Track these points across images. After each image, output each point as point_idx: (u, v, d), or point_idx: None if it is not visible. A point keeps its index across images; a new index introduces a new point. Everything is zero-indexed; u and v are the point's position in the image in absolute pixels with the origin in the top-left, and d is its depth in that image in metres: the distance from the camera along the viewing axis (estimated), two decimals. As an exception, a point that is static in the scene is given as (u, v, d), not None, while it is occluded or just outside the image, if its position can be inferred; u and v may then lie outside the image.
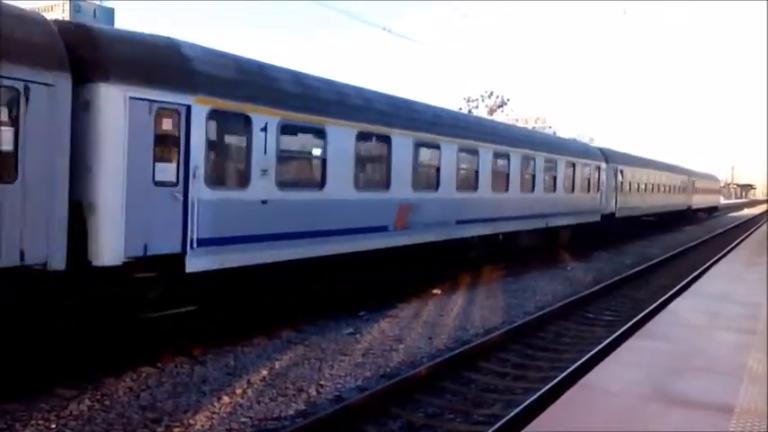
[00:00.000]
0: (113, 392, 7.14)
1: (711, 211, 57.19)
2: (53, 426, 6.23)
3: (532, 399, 6.94)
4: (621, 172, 26.67)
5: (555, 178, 19.91)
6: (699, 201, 48.05)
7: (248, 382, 7.70)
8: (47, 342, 7.11)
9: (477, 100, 62.97)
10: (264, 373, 8.05)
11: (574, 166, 21.48)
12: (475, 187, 15.27)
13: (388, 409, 6.97)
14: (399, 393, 7.31)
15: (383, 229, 11.93)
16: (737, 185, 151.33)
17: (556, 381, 7.56)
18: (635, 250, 24.61)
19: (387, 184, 12.20)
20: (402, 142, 12.49)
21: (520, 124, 46.61)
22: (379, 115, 12.04)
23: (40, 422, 6.27)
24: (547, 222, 19.22)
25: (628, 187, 27.78)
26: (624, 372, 6.26)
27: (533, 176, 18.30)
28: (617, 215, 25.92)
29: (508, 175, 16.81)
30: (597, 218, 23.90)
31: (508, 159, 16.78)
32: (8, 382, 6.68)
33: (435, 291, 13.86)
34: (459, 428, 6.72)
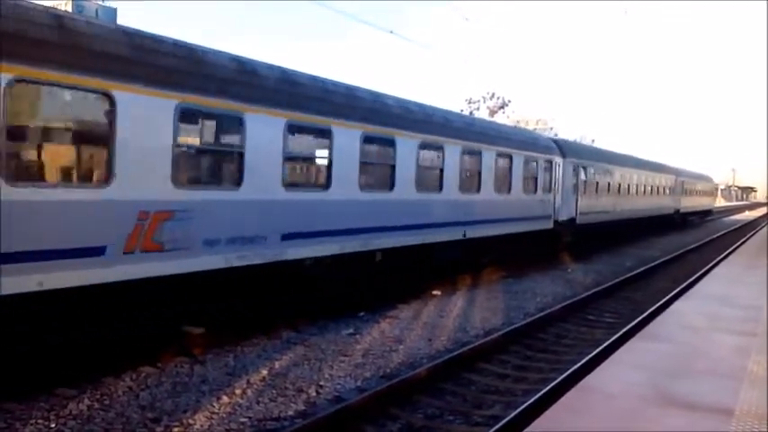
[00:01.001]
0: (113, 392, 7.14)
1: (705, 215, 52.95)
2: (53, 425, 6.23)
3: (532, 400, 6.94)
4: (584, 169, 22.26)
5: (479, 174, 15.09)
6: (689, 204, 43.34)
7: (248, 382, 7.70)
8: (47, 342, 7.11)
9: (478, 101, 63.11)
10: (264, 373, 8.05)
11: (511, 159, 16.64)
12: (326, 184, 10.55)
13: (388, 409, 6.97)
14: (399, 394, 7.30)
15: (93, 252, 7.12)
16: (738, 188, 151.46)
17: (555, 382, 7.56)
18: (635, 252, 24.62)
19: (106, 176, 7.28)
20: (144, 107, 7.57)
21: (521, 125, 46.53)
22: (82, 57, 7.01)
23: (40, 421, 6.28)
24: (465, 232, 14.52)
25: (594, 188, 23.39)
26: (624, 374, 6.26)
27: (441, 171, 13.60)
28: (578, 222, 21.59)
29: (394, 167, 12.06)
30: (548, 225, 19.25)
31: (394, 147, 12.02)
32: (8, 381, 6.67)
33: (435, 292, 13.85)
34: (458, 430, 6.71)
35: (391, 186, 12.13)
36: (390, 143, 12.03)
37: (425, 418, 6.92)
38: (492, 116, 58.40)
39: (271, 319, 10.01)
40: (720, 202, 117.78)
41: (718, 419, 5.10)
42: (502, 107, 63.62)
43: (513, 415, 6.50)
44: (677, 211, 39.10)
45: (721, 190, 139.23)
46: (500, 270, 16.88)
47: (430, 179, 13.48)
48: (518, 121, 65.27)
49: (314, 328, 10.33)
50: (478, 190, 15.17)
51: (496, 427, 6.21)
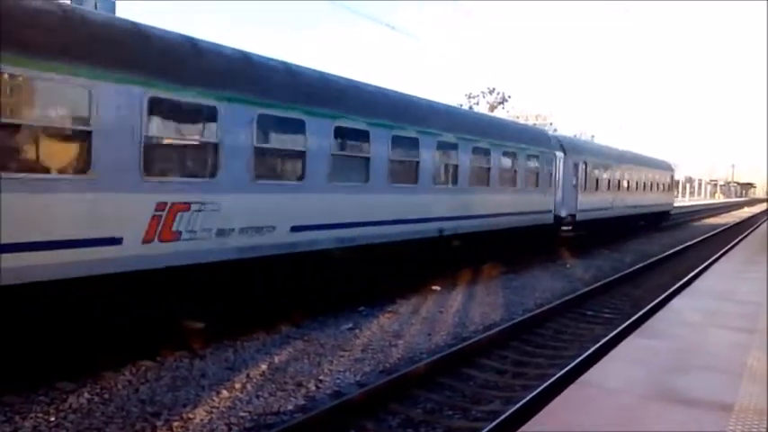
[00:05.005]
0: (112, 386, 7.14)
1: (656, 219, 34.45)
2: (52, 419, 6.24)
3: (531, 396, 6.94)
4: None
5: None
6: (599, 203, 24.10)
7: (247, 376, 7.70)
8: (47, 336, 7.11)
9: (477, 96, 63.06)
10: (263, 367, 8.06)
11: None
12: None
13: (387, 404, 6.98)
14: (398, 389, 7.31)
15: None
16: (738, 184, 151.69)
17: (555, 378, 7.56)
18: (634, 248, 24.63)
19: None
20: None
21: (521, 121, 46.39)
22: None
23: (40, 415, 6.28)
24: None
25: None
26: (623, 369, 6.26)
27: None
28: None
29: None
30: None
31: None
32: (8, 375, 6.68)
33: (435, 287, 13.85)
34: (457, 425, 6.72)
35: None
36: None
37: (424, 413, 6.93)
38: (492, 111, 58.37)
39: (270, 313, 10.01)
40: (719, 198, 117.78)
41: (717, 415, 5.10)
42: (501, 102, 63.58)
43: (512, 410, 6.51)
44: (569, 218, 21.23)
45: (720, 186, 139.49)
46: (500, 266, 16.88)
47: None
48: (517, 117, 65.21)
49: (313, 323, 10.33)
50: None
51: (495, 422, 6.22)
